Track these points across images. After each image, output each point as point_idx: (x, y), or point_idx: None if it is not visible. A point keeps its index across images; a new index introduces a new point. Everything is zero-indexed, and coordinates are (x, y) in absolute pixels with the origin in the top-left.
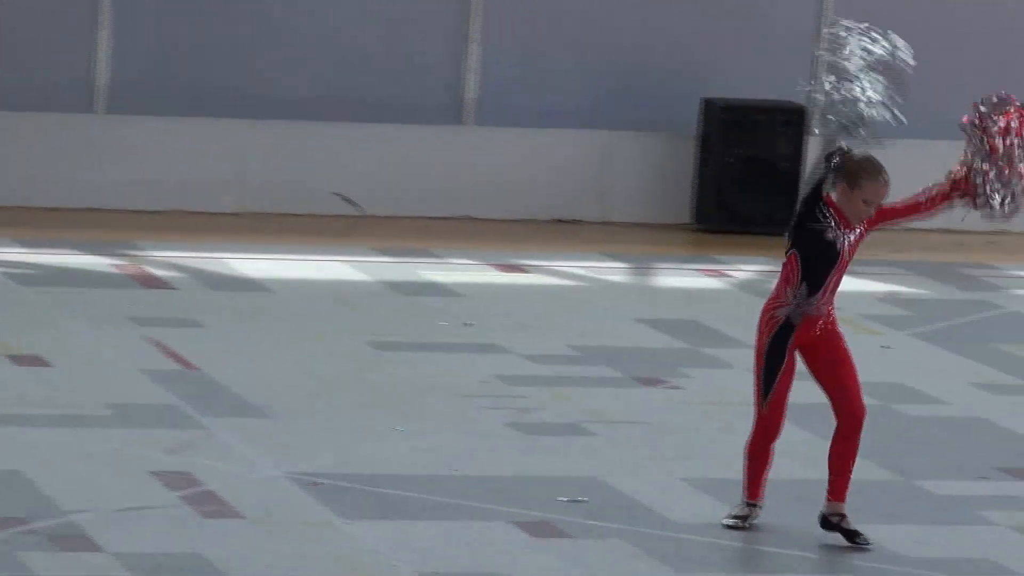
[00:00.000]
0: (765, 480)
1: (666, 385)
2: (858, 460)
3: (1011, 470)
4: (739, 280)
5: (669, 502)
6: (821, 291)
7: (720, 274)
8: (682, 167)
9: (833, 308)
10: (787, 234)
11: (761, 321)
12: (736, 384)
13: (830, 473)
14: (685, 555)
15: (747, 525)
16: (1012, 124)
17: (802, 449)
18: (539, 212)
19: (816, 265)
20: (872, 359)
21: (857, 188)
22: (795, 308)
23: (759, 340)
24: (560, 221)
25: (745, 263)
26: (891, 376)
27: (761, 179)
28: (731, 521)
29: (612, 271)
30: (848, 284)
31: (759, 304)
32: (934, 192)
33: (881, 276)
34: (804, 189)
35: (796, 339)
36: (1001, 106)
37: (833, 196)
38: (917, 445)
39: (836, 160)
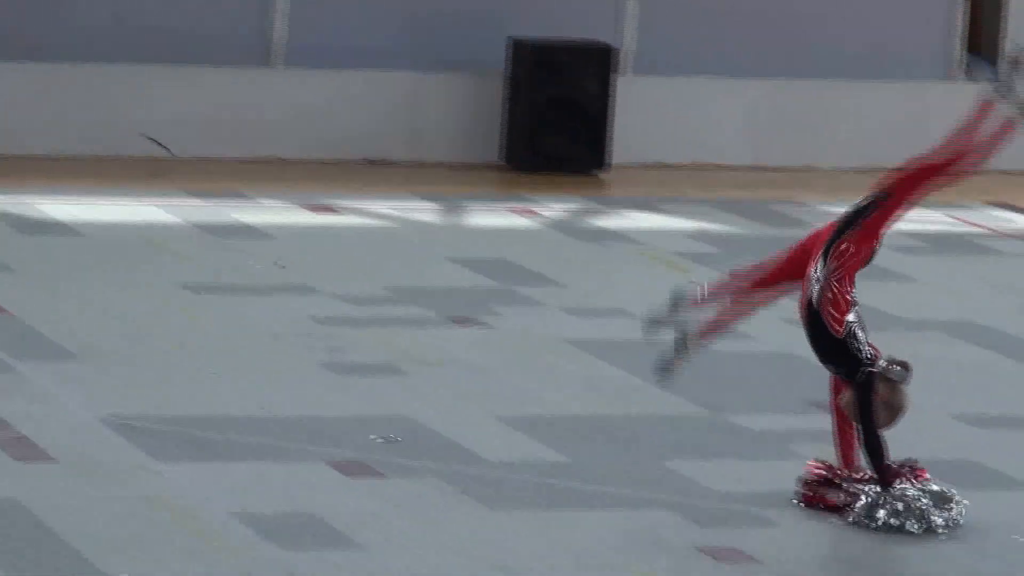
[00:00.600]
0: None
1: (478, 324)
2: (667, 394)
3: (820, 404)
4: (549, 219)
5: (483, 441)
6: None
7: (530, 213)
8: (491, 107)
9: None
10: None
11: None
12: (547, 322)
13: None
14: (499, 493)
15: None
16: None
17: (609, 386)
18: (350, 153)
19: None
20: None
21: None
22: None
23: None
24: (371, 161)
25: (555, 202)
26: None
27: (570, 118)
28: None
29: (423, 211)
30: (656, 221)
31: (569, 242)
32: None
33: (690, 213)
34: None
35: None
36: None
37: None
38: (728, 381)
39: None
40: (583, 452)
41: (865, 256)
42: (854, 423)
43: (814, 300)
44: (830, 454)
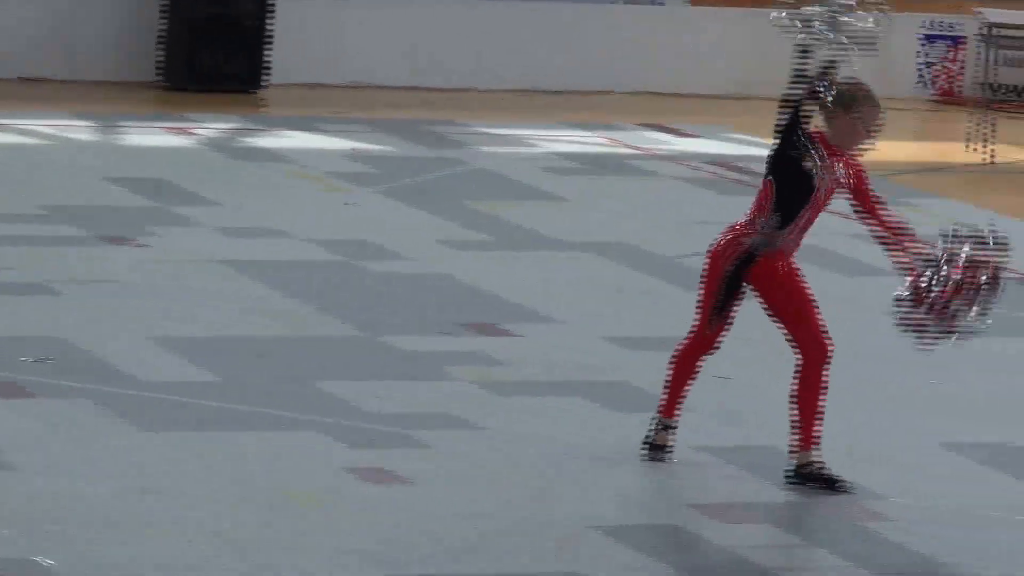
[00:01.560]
0: (684, 397)
1: (134, 244)
2: (321, 316)
3: (473, 325)
4: (206, 138)
5: (137, 362)
6: (791, 227)
7: (187, 132)
8: (149, 24)
9: (795, 254)
10: (767, 161)
11: (724, 243)
12: (203, 242)
13: (799, 421)
14: (152, 414)
15: (670, 458)
16: (964, 279)
17: (263, 306)
18: (4, 71)
19: (791, 197)
20: (337, 216)
21: (856, 112)
22: (762, 240)
23: (718, 263)
24: (25, 79)
25: (212, 121)
26: (357, 233)
27: (227, 37)
28: (651, 454)
29: (78, 129)
30: (313, 141)
31: (227, 162)
32: (905, 239)
33: (347, 133)
34: (781, 117)
35: (755, 271)
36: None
37: (819, 126)
38: (382, 301)
39: (821, 86)
40: (236, 373)
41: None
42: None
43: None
44: (483, 373)
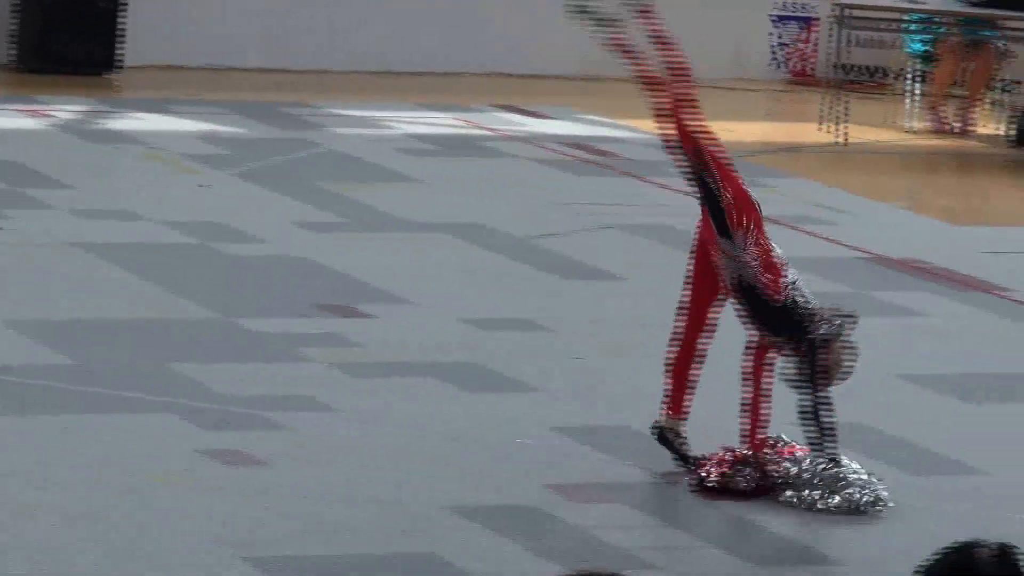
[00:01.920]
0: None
1: None
2: (177, 299)
3: (329, 307)
4: (60, 120)
5: None
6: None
7: (40, 114)
8: (0, 6)
9: None
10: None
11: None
12: (57, 225)
13: (672, 387)
14: (7, 398)
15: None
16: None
17: (118, 288)
18: None
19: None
20: (192, 198)
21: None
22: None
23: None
24: None
25: (65, 103)
26: (211, 215)
27: (80, 19)
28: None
29: None
30: (168, 123)
31: (81, 144)
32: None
33: (200, 115)
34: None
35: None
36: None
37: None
38: (237, 283)
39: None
40: (91, 356)
41: (748, 202)
42: (777, 388)
43: (744, 278)
44: (338, 354)
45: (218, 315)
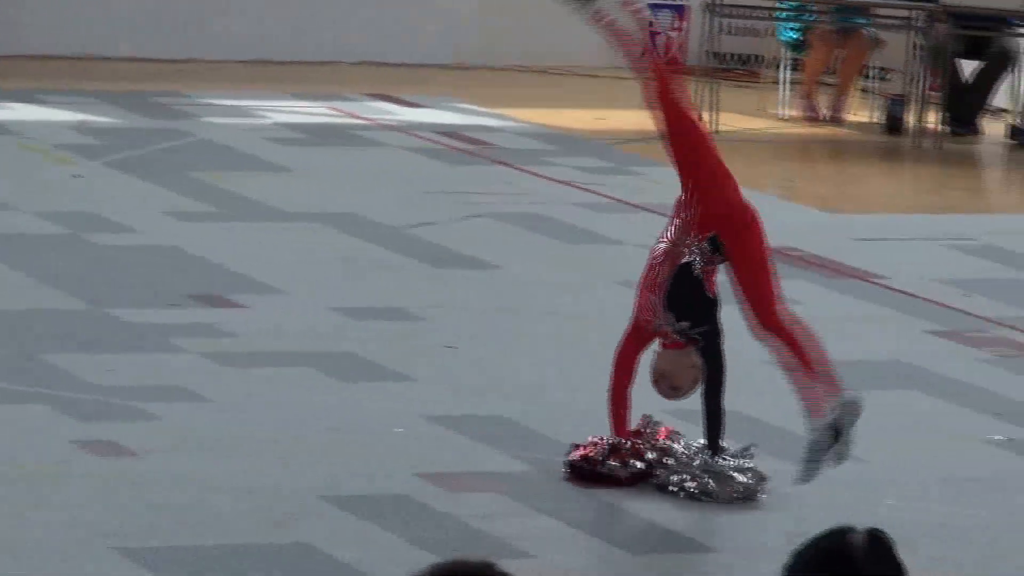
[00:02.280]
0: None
1: None
2: (48, 289)
3: (201, 297)
4: None
5: None
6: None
7: None
8: None
9: None
10: None
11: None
12: None
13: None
14: None
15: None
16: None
17: None
18: None
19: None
20: (63, 188)
21: None
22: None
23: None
24: None
25: None
26: (83, 205)
27: None
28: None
29: None
30: (38, 114)
31: None
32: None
33: (71, 105)
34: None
35: None
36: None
37: None
38: (109, 274)
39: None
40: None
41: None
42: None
43: (694, 263)
44: (211, 345)
45: (90, 305)
